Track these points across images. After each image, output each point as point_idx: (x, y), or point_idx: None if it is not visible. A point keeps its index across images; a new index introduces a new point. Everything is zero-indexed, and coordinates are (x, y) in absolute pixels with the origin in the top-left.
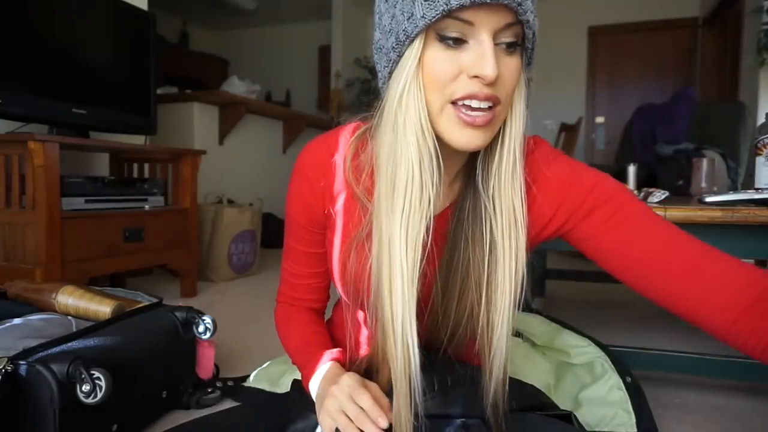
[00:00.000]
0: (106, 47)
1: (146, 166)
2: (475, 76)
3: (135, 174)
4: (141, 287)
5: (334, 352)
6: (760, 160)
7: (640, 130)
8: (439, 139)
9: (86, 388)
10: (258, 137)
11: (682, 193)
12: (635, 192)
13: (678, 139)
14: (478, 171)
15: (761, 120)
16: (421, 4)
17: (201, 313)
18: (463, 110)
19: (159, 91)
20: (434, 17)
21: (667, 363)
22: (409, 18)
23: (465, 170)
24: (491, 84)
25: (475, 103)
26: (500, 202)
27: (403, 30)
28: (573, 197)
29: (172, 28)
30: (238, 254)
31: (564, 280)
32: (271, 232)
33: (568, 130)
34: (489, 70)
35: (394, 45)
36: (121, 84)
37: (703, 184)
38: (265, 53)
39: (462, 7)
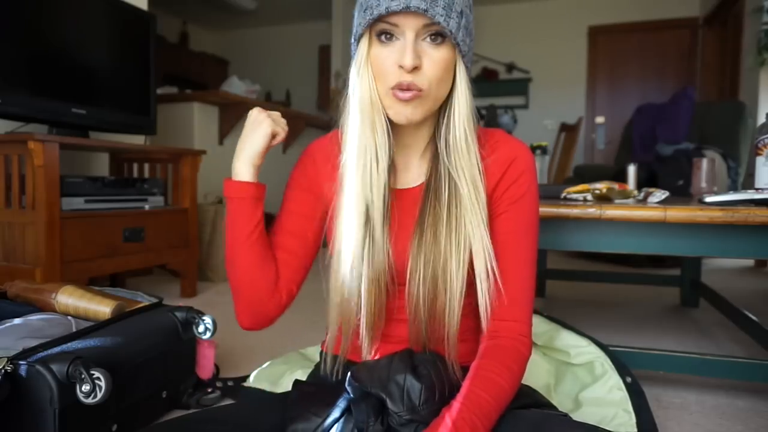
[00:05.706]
0: (106, 47)
1: (146, 166)
2: (400, 66)
3: (135, 174)
4: (141, 287)
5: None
6: (760, 160)
7: (640, 130)
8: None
9: (86, 388)
10: None
11: (682, 193)
12: (635, 192)
13: (678, 139)
14: (441, 147)
15: (761, 120)
16: (361, 14)
17: (201, 313)
18: (396, 91)
19: (159, 91)
20: (369, 22)
21: (667, 363)
22: (357, 24)
23: (432, 151)
24: (414, 72)
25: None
26: (463, 171)
27: (355, 33)
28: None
29: (172, 28)
30: None
31: (564, 280)
32: None
33: (568, 130)
34: (407, 60)
35: (353, 44)
36: (121, 84)
37: (703, 184)
38: (265, 53)
39: (386, 14)
